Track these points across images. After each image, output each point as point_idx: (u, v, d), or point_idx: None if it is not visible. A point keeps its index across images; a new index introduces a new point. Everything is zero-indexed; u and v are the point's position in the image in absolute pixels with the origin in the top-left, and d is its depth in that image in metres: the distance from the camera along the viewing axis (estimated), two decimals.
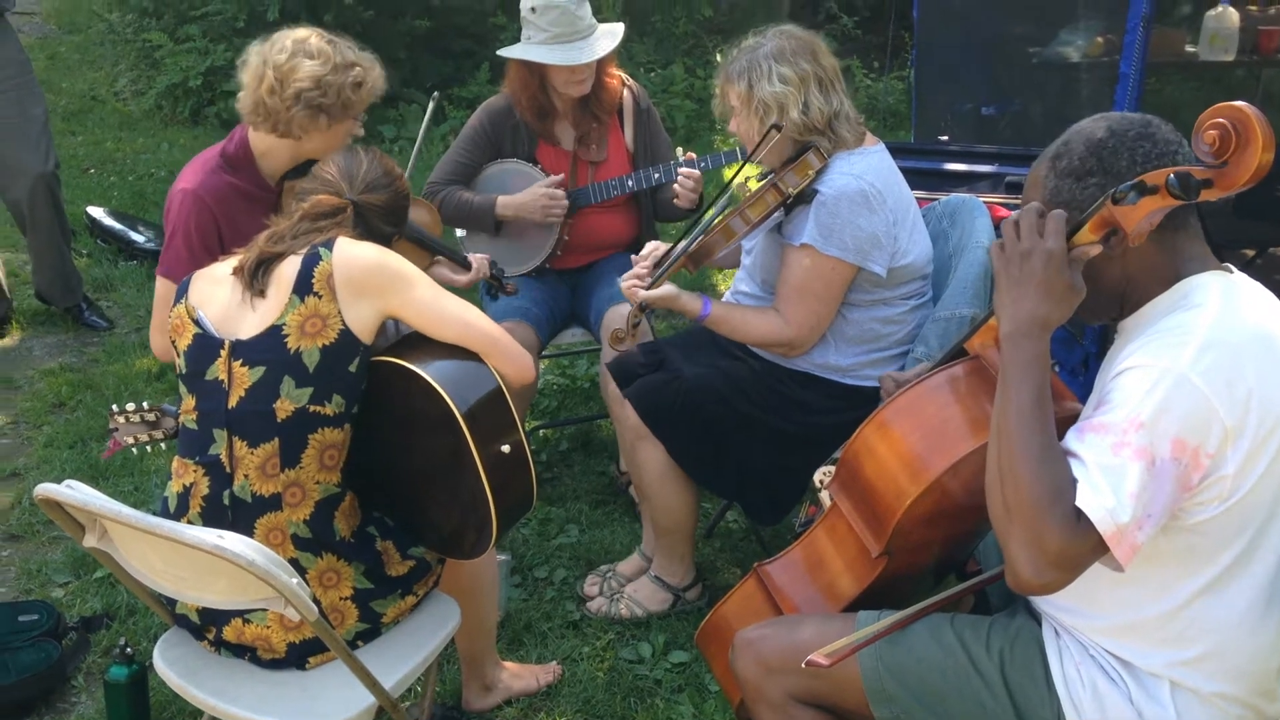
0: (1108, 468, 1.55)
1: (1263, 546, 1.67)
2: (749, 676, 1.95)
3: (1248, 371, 1.59)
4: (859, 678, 1.87)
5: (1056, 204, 1.69)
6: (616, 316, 3.16)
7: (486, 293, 3.10)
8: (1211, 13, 5.21)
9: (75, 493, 1.88)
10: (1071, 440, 1.62)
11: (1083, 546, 1.55)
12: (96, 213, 5.50)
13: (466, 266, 2.80)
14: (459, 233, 3.53)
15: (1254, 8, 5.76)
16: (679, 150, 3.35)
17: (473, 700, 2.66)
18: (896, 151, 2.82)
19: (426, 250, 2.72)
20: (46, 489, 1.90)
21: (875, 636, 1.84)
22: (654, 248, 2.79)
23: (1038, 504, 1.56)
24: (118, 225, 5.44)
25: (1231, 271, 1.74)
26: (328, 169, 2.27)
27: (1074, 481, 1.57)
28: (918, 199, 2.83)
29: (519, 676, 2.73)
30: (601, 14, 7.52)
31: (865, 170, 2.64)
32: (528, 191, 3.33)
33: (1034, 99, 5.44)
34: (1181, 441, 1.56)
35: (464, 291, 2.65)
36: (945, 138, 4.77)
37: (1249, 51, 5.25)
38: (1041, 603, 1.84)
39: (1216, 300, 1.66)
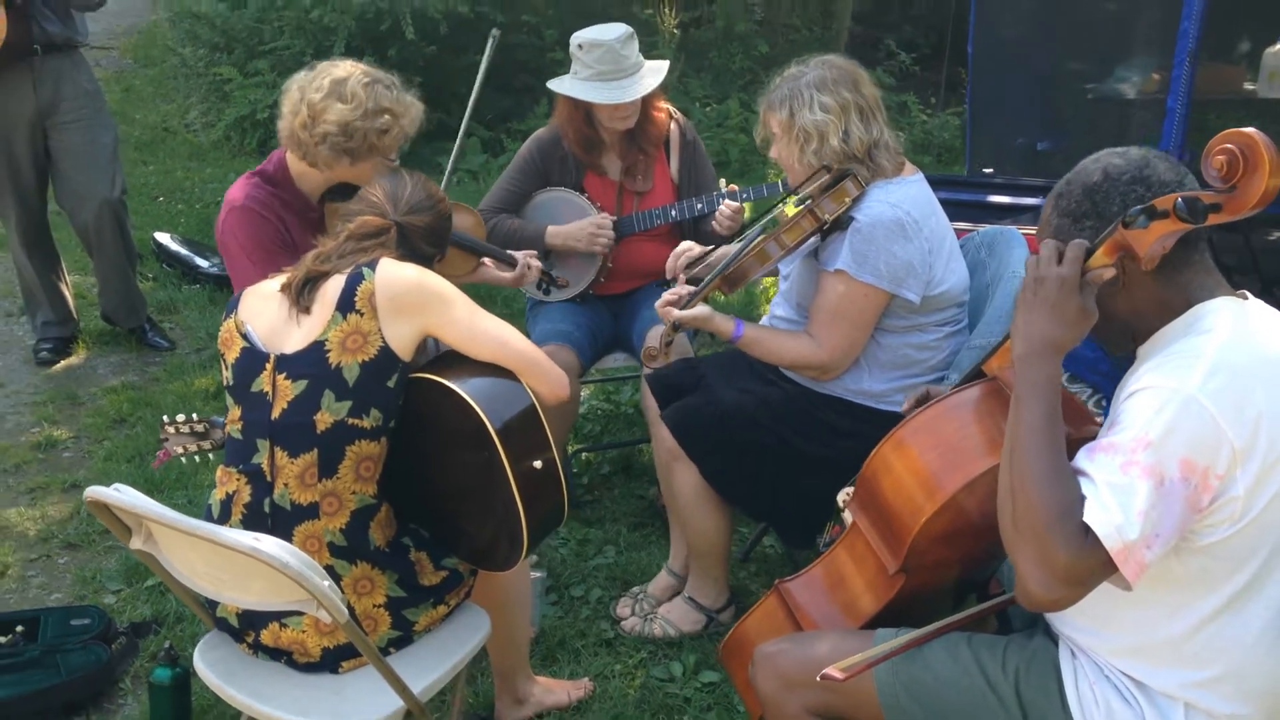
0: (1116, 486, 1.57)
1: (1277, 568, 1.68)
2: (767, 690, 1.98)
3: (1257, 394, 1.61)
4: (875, 693, 1.90)
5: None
6: (654, 336, 3.23)
7: (539, 289, 3.17)
8: (1271, 50, 5.17)
9: (122, 495, 1.97)
10: (1082, 460, 1.65)
11: (1091, 563, 1.57)
12: (164, 238, 5.69)
13: (512, 265, 2.88)
14: None
15: None
16: (722, 181, 3.41)
17: (505, 713, 2.71)
18: (943, 183, 2.85)
19: (472, 253, 2.80)
20: (95, 491, 1.98)
21: (892, 653, 1.86)
22: (687, 246, 2.85)
23: (1047, 520, 1.59)
24: (184, 251, 5.62)
25: (1246, 298, 1.77)
26: (373, 191, 2.35)
27: (1083, 499, 1.60)
28: (960, 230, 2.86)
29: (551, 691, 2.78)
30: (658, 50, 7.66)
31: (902, 199, 2.67)
32: (576, 224, 3.41)
33: (1087, 134, 5.44)
34: (1190, 462, 1.57)
35: (513, 294, 2.71)
36: (990, 170, 4.78)
37: None
38: (1058, 623, 1.86)
39: (1227, 325, 1.68)
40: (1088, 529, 1.57)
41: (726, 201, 3.22)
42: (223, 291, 5.31)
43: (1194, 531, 1.63)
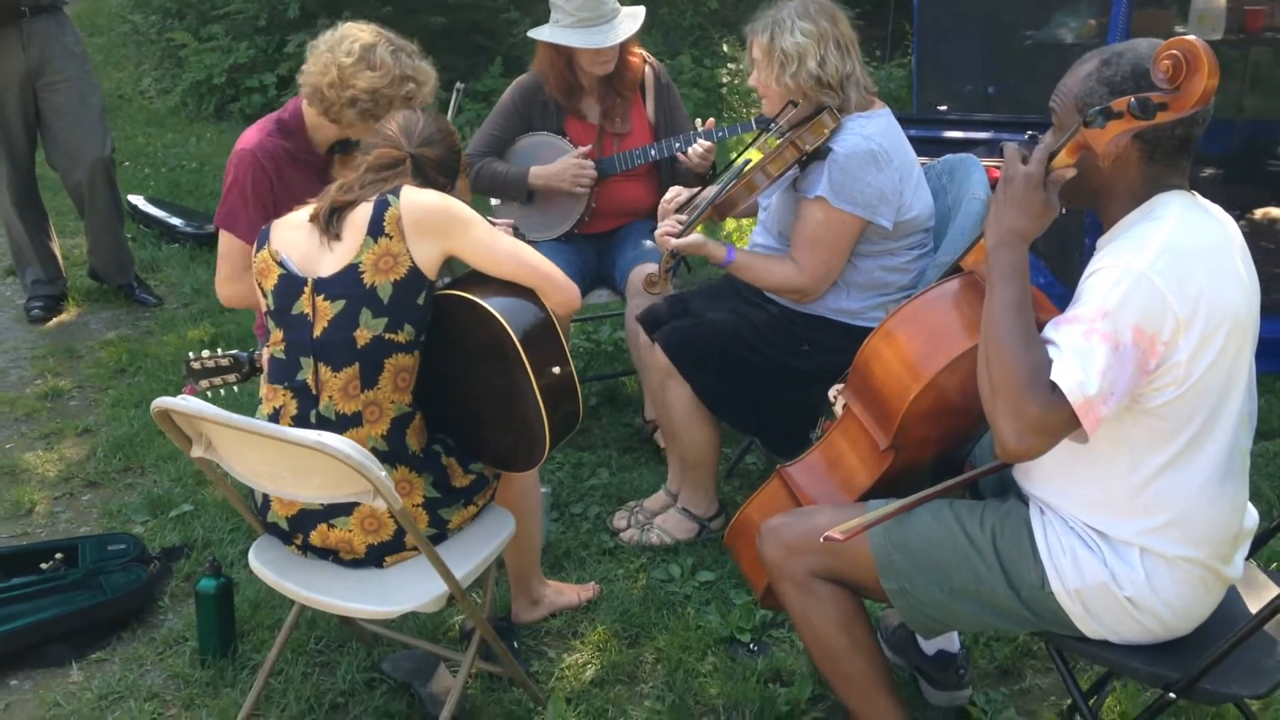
0: (1079, 350, 1.83)
1: (1216, 428, 1.94)
2: (774, 558, 2.23)
3: (1198, 273, 1.87)
4: (869, 554, 2.15)
5: (1082, 100, 1.93)
6: (650, 267, 3.43)
7: (521, 195, 3.38)
8: None
9: (187, 403, 2.17)
10: (1049, 330, 1.91)
11: (1057, 416, 1.83)
12: (137, 200, 5.82)
13: None
14: (492, 201, 3.81)
15: None
16: (697, 120, 3.64)
17: (521, 613, 2.94)
18: (900, 121, 3.09)
19: None
20: (162, 401, 2.17)
21: (884, 517, 2.11)
22: (676, 191, 3.07)
23: (1019, 381, 1.85)
24: (158, 212, 5.75)
25: (1196, 196, 2.03)
26: (389, 126, 2.54)
27: (1050, 363, 1.85)
28: (920, 161, 3.11)
29: (562, 593, 3.02)
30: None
31: (875, 132, 2.91)
32: (558, 162, 3.62)
33: (1026, 79, 5.72)
34: (1140, 329, 1.83)
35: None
36: (944, 108, 5.05)
37: (1237, 31, 5.43)
38: (1028, 485, 2.12)
39: (1176, 214, 1.94)
40: (1054, 386, 1.83)
41: (700, 140, 3.44)
42: (202, 249, 5.45)
43: (1143, 394, 1.89)
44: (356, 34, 2.85)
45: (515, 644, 2.83)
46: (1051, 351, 1.87)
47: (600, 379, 4.22)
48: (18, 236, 4.75)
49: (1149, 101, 1.82)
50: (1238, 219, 4.83)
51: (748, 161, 3.00)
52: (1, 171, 4.60)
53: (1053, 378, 1.84)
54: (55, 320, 4.77)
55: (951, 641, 2.70)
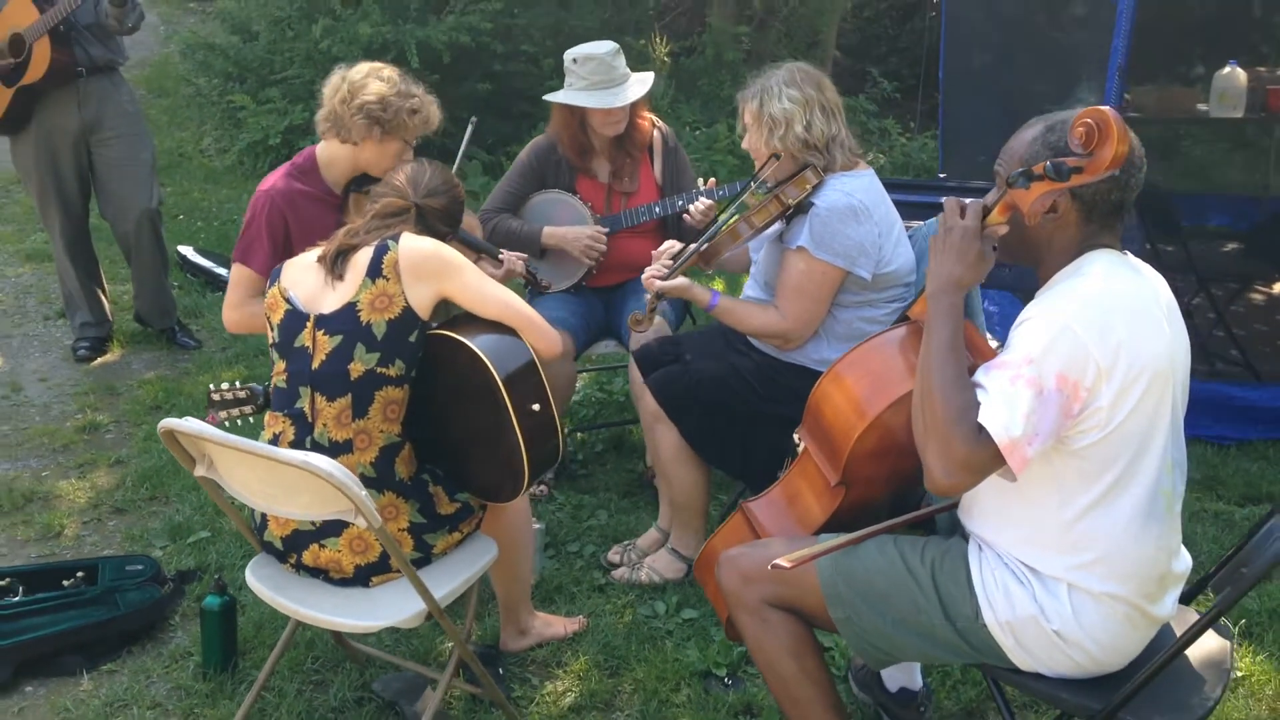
0: (1005, 394, 1.97)
1: (1139, 471, 2.06)
2: (730, 586, 2.36)
3: (1119, 326, 2.00)
4: (818, 584, 2.28)
5: (1028, 160, 2.07)
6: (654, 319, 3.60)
7: (526, 290, 3.56)
8: (1220, 73, 5.54)
9: (189, 424, 2.35)
10: (979, 375, 2.05)
11: (983, 455, 1.96)
12: (186, 250, 6.12)
13: (499, 262, 3.27)
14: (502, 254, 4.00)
15: (1263, 69, 6.12)
16: (700, 180, 3.82)
17: (509, 642, 3.08)
18: (901, 186, 3.26)
19: (469, 248, 3.20)
20: (168, 422, 2.36)
21: (830, 549, 2.24)
22: (670, 244, 3.25)
23: (948, 420, 1.98)
24: (205, 262, 6.04)
25: (1126, 254, 2.17)
26: (396, 177, 2.75)
27: (978, 405, 1.99)
28: (912, 224, 3.27)
29: (550, 624, 3.16)
30: (655, 76, 8.14)
31: (855, 189, 3.07)
32: (573, 229, 3.82)
33: None
34: (1064, 376, 1.97)
35: (516, 286, 3.12)
36: (943, 175, 5.20)
37: (1258, 109, 5.53)
38: (968, 523, 2.25)
39: (1102, 270, 2.08)
40: (981, 427, 1.96)
41: (701, 198, 3.63)
42: None
43: (1069, 436, 2.02)
44: (363, 64, 3.13)
45: (500, 670, 2.97)
46: (980, 395, 2.00)
47: (608, 426, 4.38)
48: (69, 281, 5.03)
49: (1063, 165, 1.97)
50: (1263, 292, 4.97)
51: (736, 213, 3.18)
52: (56, 221, 4.89)
53: (980, 419, 1.97)
54: (99, 360, 5.03)
55: (914, 679, 2.81)
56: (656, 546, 3.50)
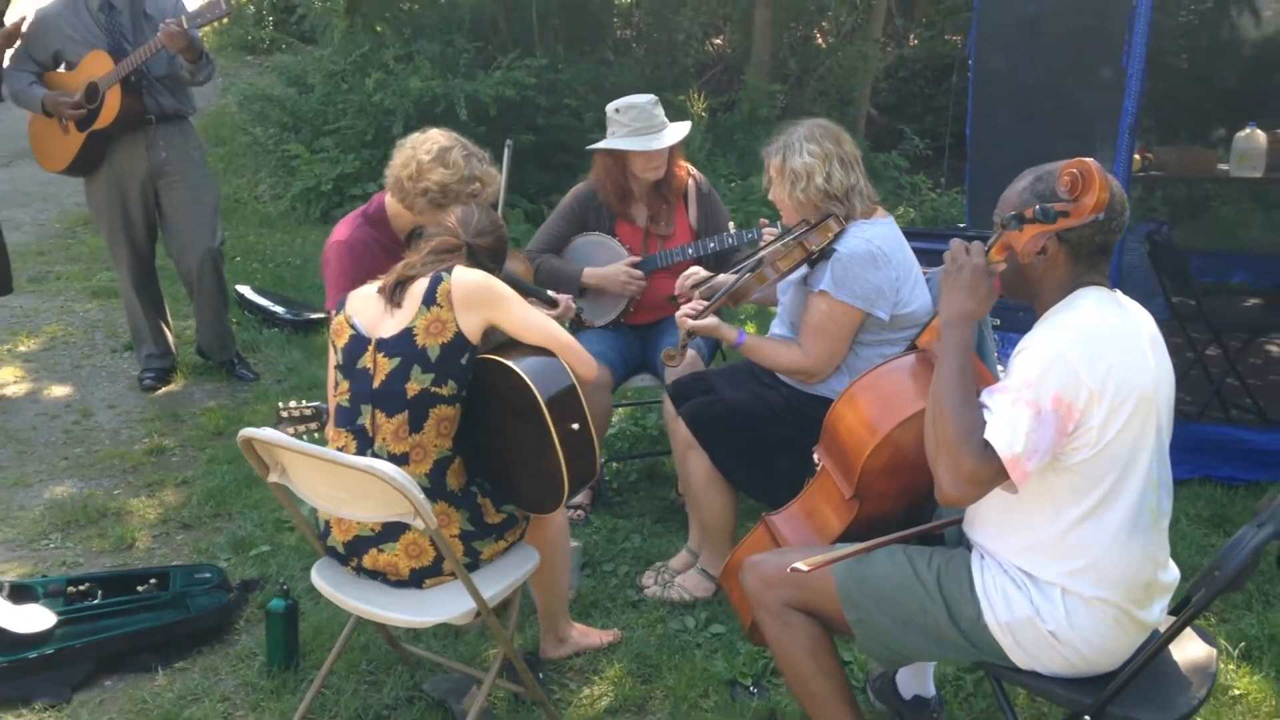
0: (1007, 415, 2.19)
1: (1126, 486, 2.28)
2: (753, 589, 2.58)
3: (1109, 352, 2.23)
4: (834, 588, 2.50)
5: (1020, 206, 2.30)
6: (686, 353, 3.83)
7: (573, 290, 3.88)
8: (1240, 135, 5.74)
9: (265, 433, 2.62)
10: (984, 397, 2.27)
11: (989, 469, 2.19)
12: (244, 289, 6.45)
13: (553, 305, 3.53)
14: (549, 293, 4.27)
15: None
16: (731, 224, 4.08)
17: (548, 650, 3.31)
18: (922, 235, 3.48)
19: (525, 294, 3.46)
20: (247, 432, 2.62)
21: (845, 555, 2.47)
22: (694, 271, 3.50)
23: (958, 437, 2.21)
24: (262, 300, 6.37)
25: (1115, 292, 2.40)
26: (449, 218, 3.01)
27: (984, 424, 2.22)
28: (930, 269, 3.50)
29: (587, 635, 3.38)
30: (693, 130, 8.47)
31: (874, 236, 3.31)
32: (611, 267, 4.08)
33: None
34: (1059, 398, 2.19)
35: None
36: (963, 225, 5.44)
37: (1279, 169, 5.74)
38: (972, 534, 2.46)
39: (1092, 304, 2.31)
40: (987, 444, 2.19)
41: (768, 229, 3.81)
42: (298, 334, 6.03)
43: (1063, 453, 2.24)
44: (437, 138, 3.36)
45: (540, 675, 3.19)
46: (986, 415, 2.23)
47: (642, 456, 4.63)
48: (135, 316, 5.35)
49: (1051, 209, 2.22)
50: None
51: (763, 258, 3.42)
52: (124, 258, 5.21)
53: (986, 437, 2.20)
54: (164, 390, 5.33)
55: (927, 687, 3.01)
56: (687, 567, 3.72)
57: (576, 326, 3.88)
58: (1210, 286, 6.34)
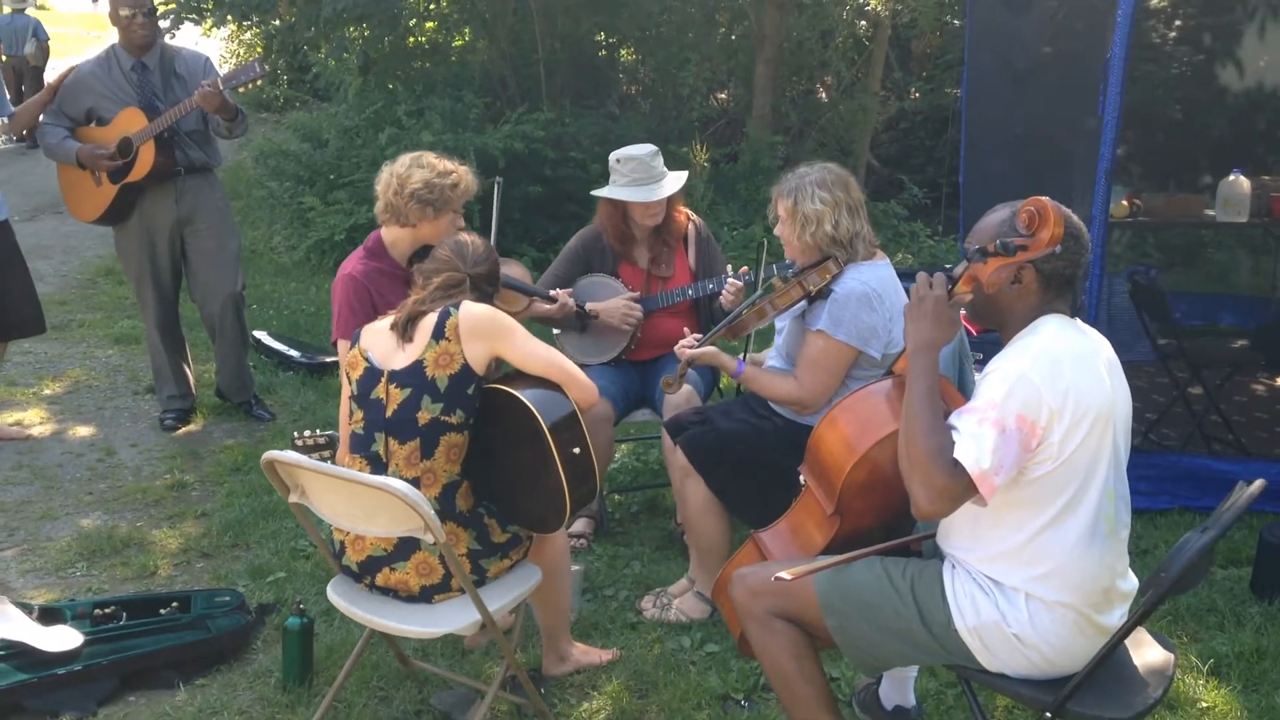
0: (974, 434, 2.38)
1: (1085, 497, 2.45)
2: (740, 600, 2.75)
3: (1067, 373, 2.41)
4: (815, 598, 2.67)
5: (1003, 238, 2.48)
6: (685, 390, 4.02)
7: (578, 326, 4.06)
8: (1225, 181, 5.93)
9: (287, 455, 2.81)
10: (953, 418, 2.45)
11: (959, 484, 2.36)
12: (261, 335, 6.69)
13: (552, 301, 3.73)
14: (554, 331, 4.48)
15: (1268, 178, 6.52)
16: (729, 266, 4.29)
17: (550, 667, 3.47)
18: (913, 276, 3.67)
19: (523, 294, 3.68)
20: (270, 454, 2.82)
21: (825, 565, 2.64)
22: (696, 338, 3.70)
23: (928, 455, 2.39)
24: (278, 345, 6.60)
25: (1075, 320, 2.59)
26: (443, 252, 3.21)
27: (953, 443, 2.40)
28: None
29: (587, 654, 3.54)
30: (691, 180, 8.72)
31: (870, 278, 3.50)
32: (610, 301, 4.29)
33: None
34: (1022, 416, 2.37)
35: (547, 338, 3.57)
36: (950, 265, 5.64)
37: (1263, 215, 5.88)
38: (945, 545, 2.64)
39: (1052, 330, 2.50)
40: (956, 461, 2.37)
41: (731, 280, 4.08)
42: (312, 377, 6.24)
43: (1027, 468, 2.42)
44: (402, 158, 3.65)
45: (541, 691, 3.35)
46: (955, 435, 2.42)
47: (643, 489, 4.81)
48: (159, 359, 5.57)
49: (1010, 243, 2.42)
50: (1265, 384, 5.35)
51: (763, 294, 3.62)
52: (150, 303, 5.45)
53: (955, 455, 2.38)
54: (184, 429, 5.54)
55: (907, 698, 3.17)
56: (685, 592, 3.88)
57: (583, 327, 4.08)
58: (1199, 329, 6.54)
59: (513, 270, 3.67)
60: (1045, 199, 2.43)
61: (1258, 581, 3.91)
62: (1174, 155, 7.47)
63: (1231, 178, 5.90)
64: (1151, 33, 7.93)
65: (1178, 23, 7.97)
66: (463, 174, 3.67)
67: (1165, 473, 4.62)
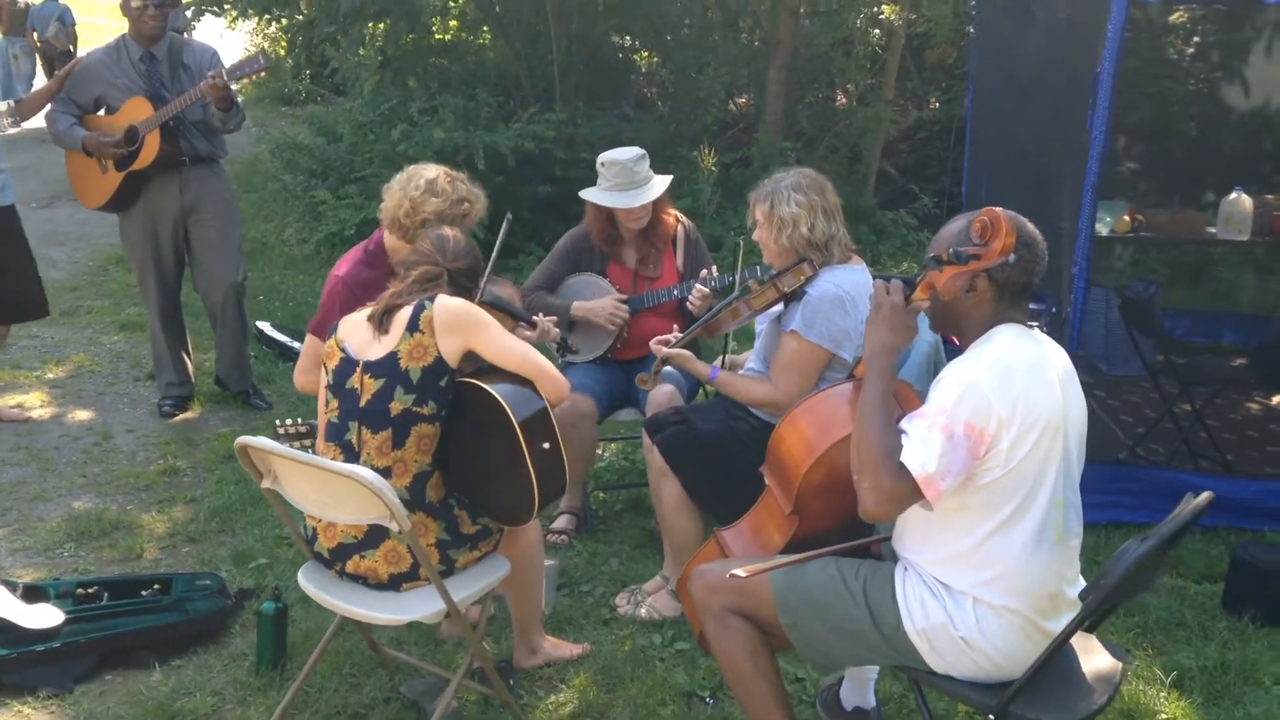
0: (923, 438, 2.42)
1: (1033, 504, 2.49)
2: (698, 595, 2.80)
3: (1018, 382, 2.45)
4: (771, 596, 2.72)
5: (956, 247, 2.52)
6: (667, 388, 4.07)
7: (558, 354, 4.07)
8: (1227, 199, 5.94)
9: (260, 441, 2.87)
10: (904, 423, 2.50)
11: (905, 487, 2.41)
12: (264, 325, 6.77)
13: (532, 327, 3.78)
14: None
15: (1270, 196, 6.52)
16: (713, 269, 4.34)
17: (521, 660, 3.52)
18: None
19: (510, 316, 3.72)
20: (243, 440, 2.88)
21: (780, 564, 2.69)
22: (672, 337, 3.75)
23: (877, 458, 2.44)
24: (280, 336, 6.68)
25: (1032, 328, 2.62)
26: (424, 245, 3.26)
27: (902, 447, 2.44)
28: None
29: (558, 647, 3.60)
30: (698, 185, 8.72)
31: (844, 281, 3.55)
32: (597, 301, 4.35)
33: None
34: (970, 423, 2.42)
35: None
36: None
37: (1264, 233, 5.89)
38: (897, 547, 2.68)
39: (1006, 340, 2.54)
40: (903, 465, 2.41)
41: (698, 287, 4.12)
42: None
43: (976, 474, 2.46)
44: (421, 172, 3.66)
45: (510, 682, 3.41)
46: (904, 439, 2.46)
47: (627, 487, 4.86)
48: (159, 346, 5.66)
49: (963, 252, 2.46)
50: (1261, 403, 5.38)
51: (739, 295, 3.67)
52: (153, 291, 5.53)
53: (902, 459, 2.42)
54: (181, 416, 5.63)
55: (867, 699, 3.21)
56: (659, 589, 3.93)
57: (563, 352, 4.14)
58: (1200, 346, 6.54)
59: (503, 290, 3.71)
60: (999, 209, 2.47)
61: (1228, 597, 3.93)
62: (1182, 171, 7.48)
63: (1234, 195, 5.91)
64: (1169, 48, 7.95)
65: (1195, 39, 7.97)
66: (475, 200, 3.68)
67: (1148, 487, 4.62)
